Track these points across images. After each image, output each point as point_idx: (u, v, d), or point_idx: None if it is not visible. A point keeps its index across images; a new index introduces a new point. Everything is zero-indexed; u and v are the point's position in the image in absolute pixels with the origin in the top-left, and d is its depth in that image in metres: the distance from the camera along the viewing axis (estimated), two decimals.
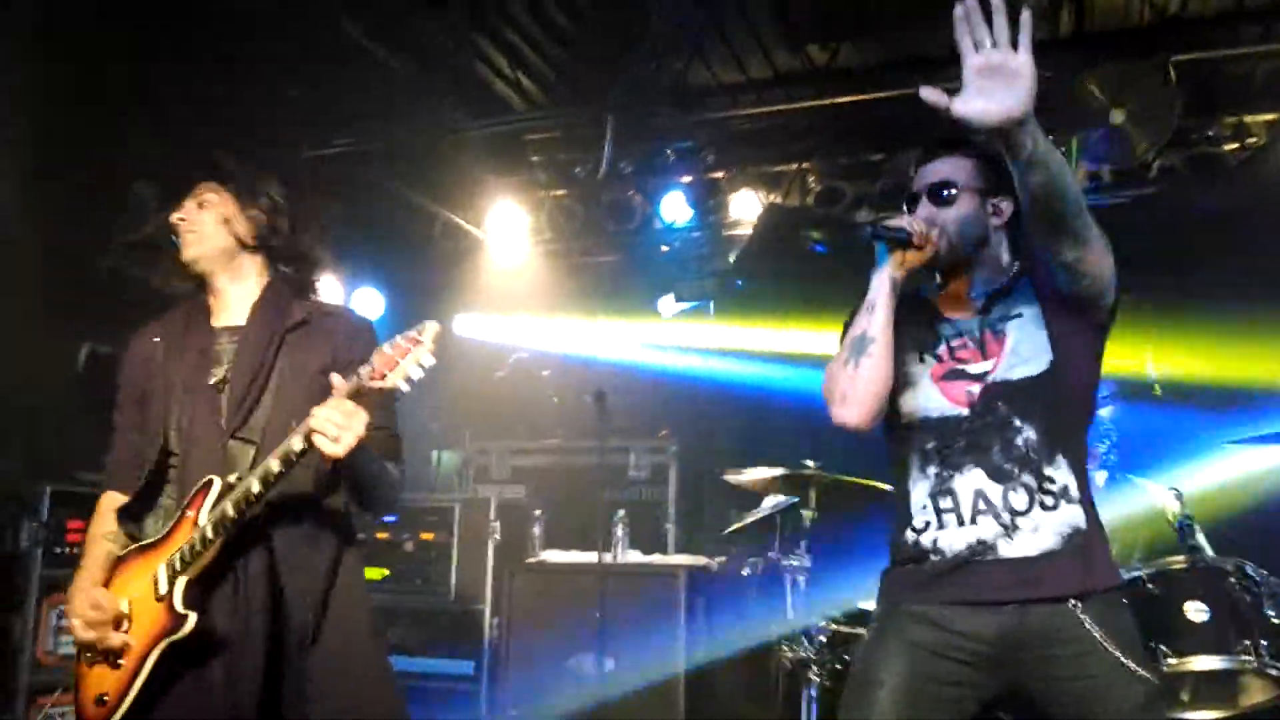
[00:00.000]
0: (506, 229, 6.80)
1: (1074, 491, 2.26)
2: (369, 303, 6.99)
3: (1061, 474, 2.27)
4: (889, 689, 2.25)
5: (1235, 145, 5.67)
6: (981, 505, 2.27)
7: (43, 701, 4.32)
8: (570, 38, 5.69)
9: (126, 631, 2.35)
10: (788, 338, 6.65)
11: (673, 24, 5.22)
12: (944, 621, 2.26)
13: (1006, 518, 2.25)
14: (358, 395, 2.20)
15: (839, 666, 3.90)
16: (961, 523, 2.29)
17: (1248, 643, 3.25)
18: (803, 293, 6.34)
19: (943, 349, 2.42)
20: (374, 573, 5.28)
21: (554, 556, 5.35)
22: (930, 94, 1.96)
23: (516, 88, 6.01)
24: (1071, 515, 2.25)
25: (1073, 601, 2.20)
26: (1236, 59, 5.32)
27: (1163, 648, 3.27)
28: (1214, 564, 3.48)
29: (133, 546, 2.46)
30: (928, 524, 2.33)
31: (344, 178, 6.13)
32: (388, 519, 5.44)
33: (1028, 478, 2.26)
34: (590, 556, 4.97)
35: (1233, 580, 3.40)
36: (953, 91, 1.96)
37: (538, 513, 5.61)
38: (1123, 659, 2.15)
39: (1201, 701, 3.37)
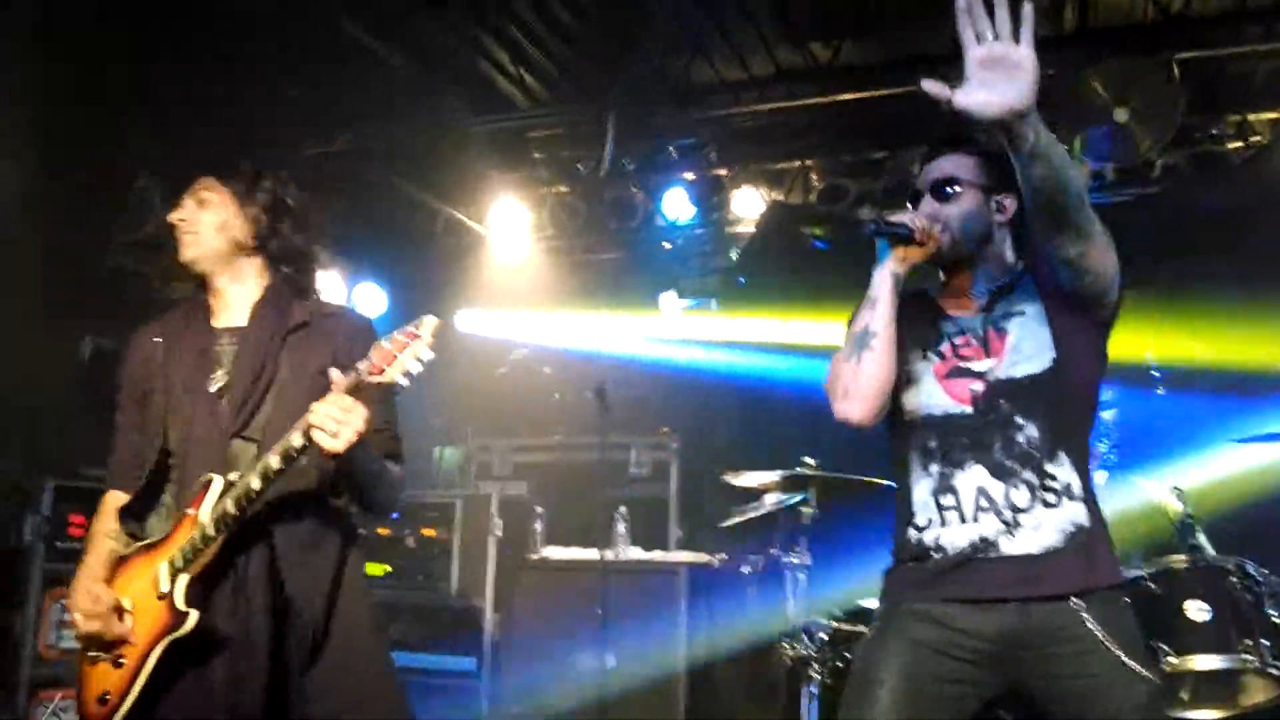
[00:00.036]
0: (508, 225, 6.80)
1: (1077, 489, 2.26)
2: (371, 298, 6.99)
3: (1064, 471, 2.26)
4: (890, 687, 2.25)
5: (1239, 144, 5.67)
6: (983, 502, 2.27)
7: (45, 695, 4.33)
8: (573, 35, 5.69)
9: (128, 631, 2.35)
10: (789, 333, 6.64)
11: (675, 21, 5.21)
12: (946, 619, 2.26)
13: (1008, 515, 2.25)
14: (356, 390, 2.19)
15: (840, 664, 3.90)
16: (963, 520, 2.29)
17: (1249, 642, 3.25)
18: (805, 288, 6.34)
19: (946, 346, 2.42)
20: (375, 568, 5.28)
21: (555, 553, 5.35)
22: (932, 86, 1.96)
23: (519, 84, 6.01)
24: (1074, 513, 2.24)
25: (1075, 600, 2.19)
26: (1240, 58, 5.32)
27: (1164, 647, 3.27)
28: (1215, 563, 3.48)
29: (135, 545, 2.46)
30: (930, 521, 2.33)
31: (346, 174, 6.14)
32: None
33: (1029, 475, 2.26)
34: (591, 553, 4.98)
35: (1234, 579, 3.40)
36: (957, 85, 1.96)
37: (539, 509, 5.61)
38: (1124, 658, 2.15)
39: (1202, 701, 3.37)
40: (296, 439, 2.21)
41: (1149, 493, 4.07)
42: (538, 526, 5.54)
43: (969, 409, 2.33)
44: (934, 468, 2.35)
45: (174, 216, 2.60)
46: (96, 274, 4.94)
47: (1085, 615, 2.18)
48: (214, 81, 4.95)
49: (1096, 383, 2.39)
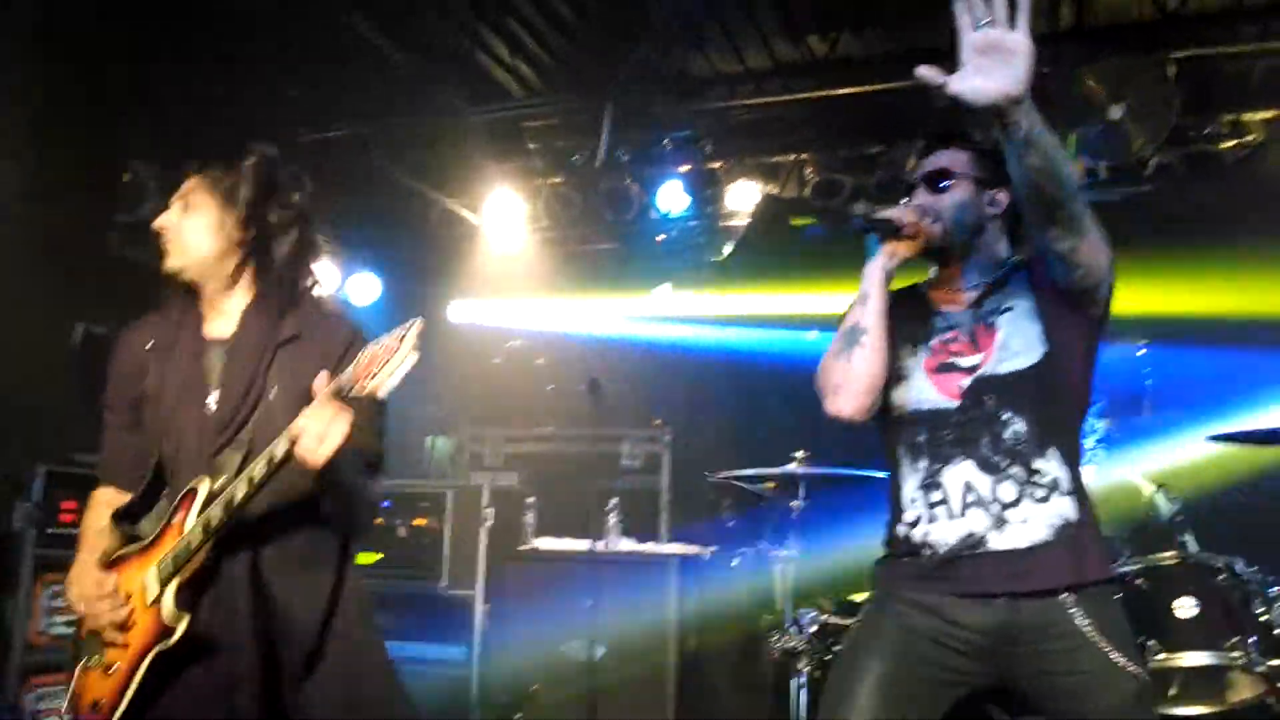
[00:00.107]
0: (503, 216, 6.79)
1: (1065, 484, 2.27)
2: (365, 288, 6.99)
3: (1052, 466, 2.27)
4: (877, 669, 2.26)
5: (1232, 143, 5.68)
6: (971, 498, 2.28)
7: (36, 682, 4.33)
8: (570, 26, 5.68)
9: (130, 616, 2.34)
10: (782, 325, 6.66)
11: (672, 14, 5.21)
12: (938, 609, 2.27)
13: (996, 509, 2.26)
14: (340, 397, 2.15)
15: (828, 657, 3.91)
16: (952, 516, 2.29)
17: (1236, 639, 3.27)
18: (798, 279, 6.36)
19: (935, 341, 2.43)
20: (366, 558, 5.28)
21: (546, 544, 5.36)
22: (926, 72, 1.97)
23: (515, 75, 6.01)
24: (1062, 507, 2.25)
25: (1064, 595, 2.21)
26: (1235, 57, 5.33)
27: (1152, 643, 3.29)
28: (1203, 560, 3.50)
29: (126, 549, 2.45)
30: (919, 518, 2.34)
31: (342, 164, 6.13)
32: (381, 504, 5.44)
33: (1016, 470, 2.27)
34: (583, 544, 4.98)
35: (1222, 577, 3.42)
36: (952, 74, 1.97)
37: (531, 500, 5.62)
38: (1113, 654, 2.16)
39: (1189, 697, 3.39)
40: (280, 448, 2.18)
41: (1136, 487, 4.09)
42: (529, 517, 5.55)
43: (956, 404, 2.34)
44: (922, 463, 2.36)
45: (157, 223, 2.53)
46: (91, 261, 4.94)
47: (1074, 611, 2.19)
48: (211, 73, 4.95)
49: (1088, 379, 2.40)
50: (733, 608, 4.97)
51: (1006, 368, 2.32)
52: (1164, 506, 3.80)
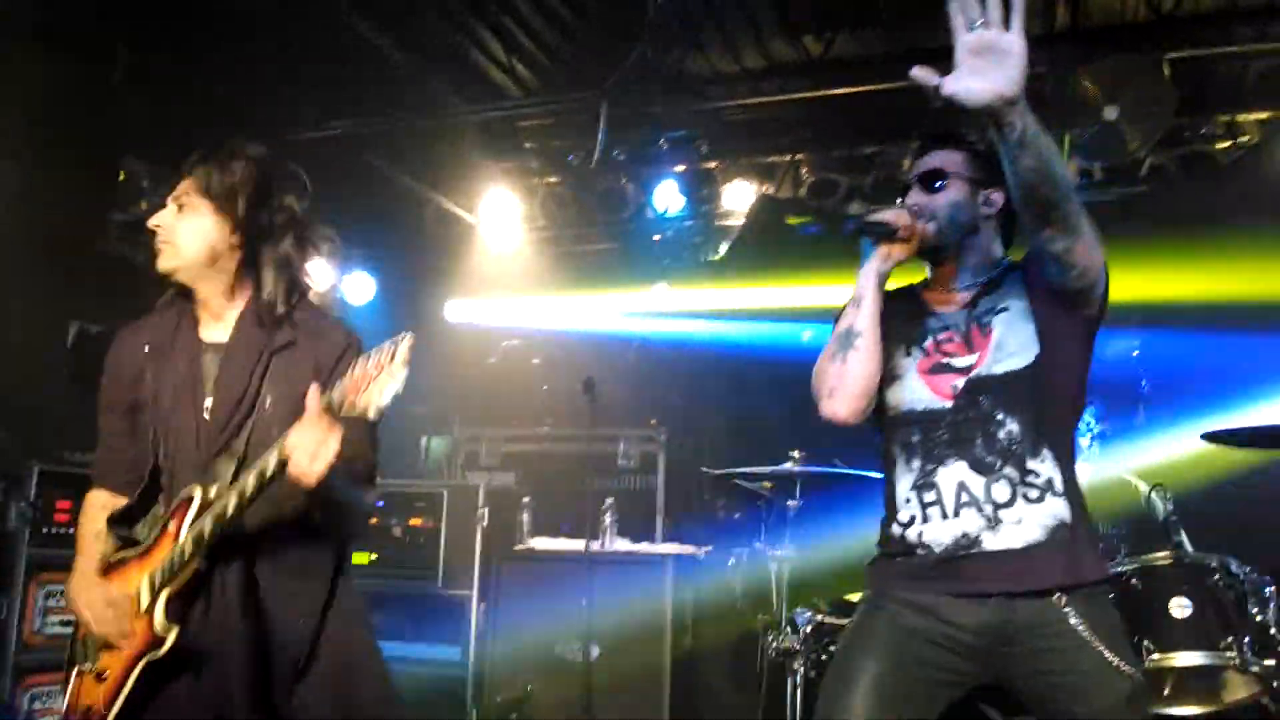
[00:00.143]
0: (499, 215, 6.80)
1: (1059, 485, 2.27)
2: (360, 286, 6.98)
3: (1046, 467, 2.27)
4: (873, 670, 2.26)
5: (1227, 144, 5.70)
6: (965, 498, 2.28)
7: (31, 681, 4.32)
8: (566, 26, 5.68)
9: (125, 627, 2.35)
10: (777, 323, 6.66)
11: (669, 13, 5.20)
12: (932, 609, 2.28)
13: (989, 510, 2.26)
14: (331, 414, 2.15)
15: (824, 657, 3.91)
16: (945, 516, 2.30)
17: (1230, 639, 3.27)
18: (794, 277, 6.38)
19: (929, 342, 2.43)
20: (361, 557, 5.28)
21: (542, 544, 5.36)
22: (921, 73, 1.96)
23: (511, 74, 6.00)
24: (1056, 508, 2.26)
25: (1058, 595, 2.21)
26: (1230, 58, 5.34)
27: (1146, 643, 3.29)
28: (1198, 560, 3.50)
29: (121, 554, 2.44)
30: (913, 518, 2.34)
31: (337, 162, 6.11)
32: (376, 503, 5.44)
33: (1010, 470, 2.27)
34: (578, 544, 4.98)
35: (1216, 577, 3.41)
36: (946, 74, 1.97)
37: (526, 500, 5.61)
38: (1107, 655, 2.17)
39: (1184, 697, 3.39)
40: (271, 463, 2.17)
41: (1132, 487, 4.10)
42: (525, 517, 5.54)
43: (950, 404, 2.34)
44: (916, 463, 2.36)
45: (152, 222, 2.51)
46: (86, 260, 4.93)
47: (1068, 610, 2.20)
48: (209, 72, 4.94)
49: (1082, 379, 2.40)
50: (728, 607, 4.97)
51: (1001, 368, 2.33)
52: (1159, 506, 3.80)
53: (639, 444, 6.23)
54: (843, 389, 2.35)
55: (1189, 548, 3.67)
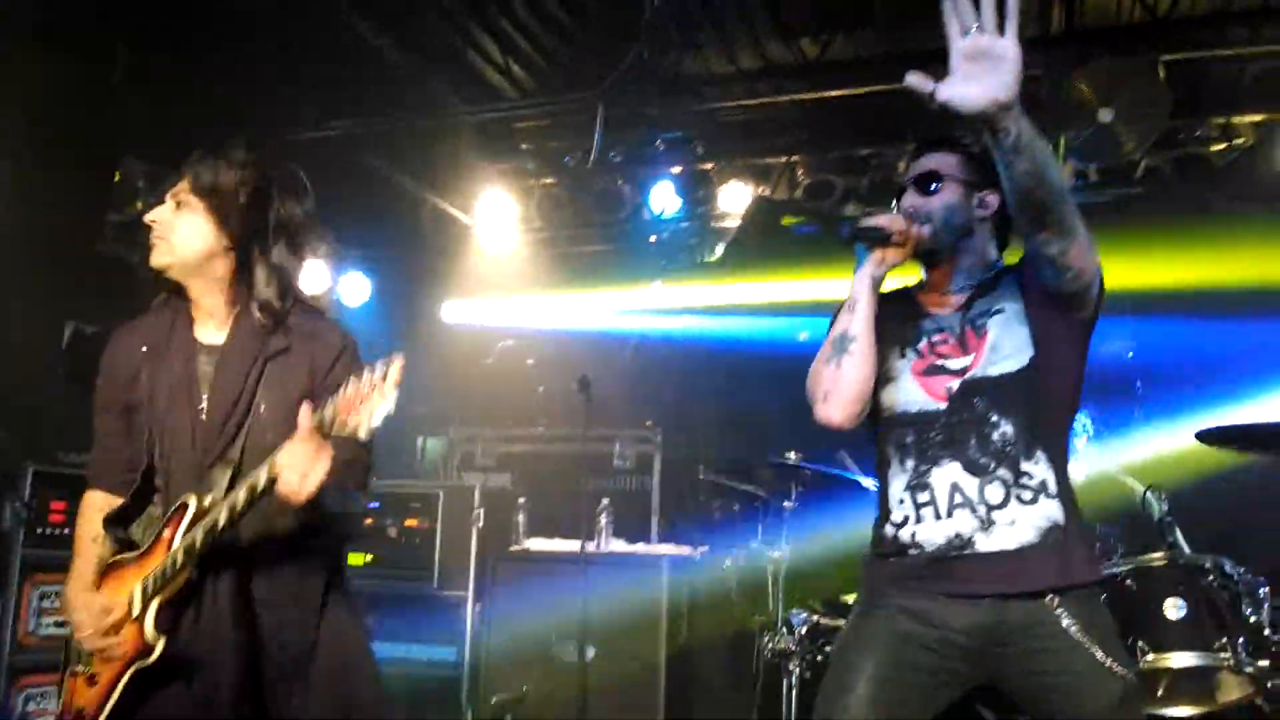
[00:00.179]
0: (495, 216, 6.80)
1: (1052, 487, 2.27)
2: (356, 287, 6.97)
3: (1039, 469, 2.28)
4: (868, 677, 2.27)
5: (1222, 146, 5.71)
6: (958, 499, 2.29)
7: (25, 682, 4.31)
8: (563, 27, 5.69)
9: (116, 631, 2.35)
10: (773, 328, 6.67)
11: (665, 15, 5.21)
12: (925, 613, 2.28)
13: (983, 511, 2.27)
14: (321, 433, 2.15)
15: (820, 658, 3.92)
16: (939, 517, 2.30)
17: (1225, 640, 3.28)
18: (790, 277, 6.40)
19: (924, 344, 2.44)
20: (357, 558, 5.28)
21: (538, 544, 5.35)
22: (915, 80, 1.97)
23: (508, 75, 6.01)
24: (1049, 510, 2.26)
25: (1050, 597, 2.22)
26: (1225, 59, 5.35)
27: (1141, 644, 3.29)
28: (1193, 561, 3.50)
29: (118, 557, 2.45)
30: (906, 518, 2.35)
31: (333, 161, 6.11)
32: (372, 505, 5.44)
33: (1004, 472, 2.28)
34: (574, 545, 4.98)
35: (1211, 578, 3.42)
36: (939, 81, 1.97)
37: (522, 500, 5.61)
38: (1100, 656, 2.17)
39: (1178, 698, 3.40)
40: (262, 479, 2.18)
41: (1126, 487, 4.11)
42: (520, 518, 5.54)
43: (944, 406, 2.35)
44: (910, 464, 2.37)
45: (148, 218, 2.50)
46: (82, 260, 4.92)
47: (1061, 612, 2.20)
48: (207, 72, 4.94)
49: (1077, 382, 2.41)
50: (724, 608, 4.97)
51: (996, 370, 2.33)
52: (1155, 507, 3.80)
53: (634, 444, 6.23)
54: (837, 393, 2.35)
55: (1185, 548, 3.68)
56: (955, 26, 1.94)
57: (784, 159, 6.51)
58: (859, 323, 2.35)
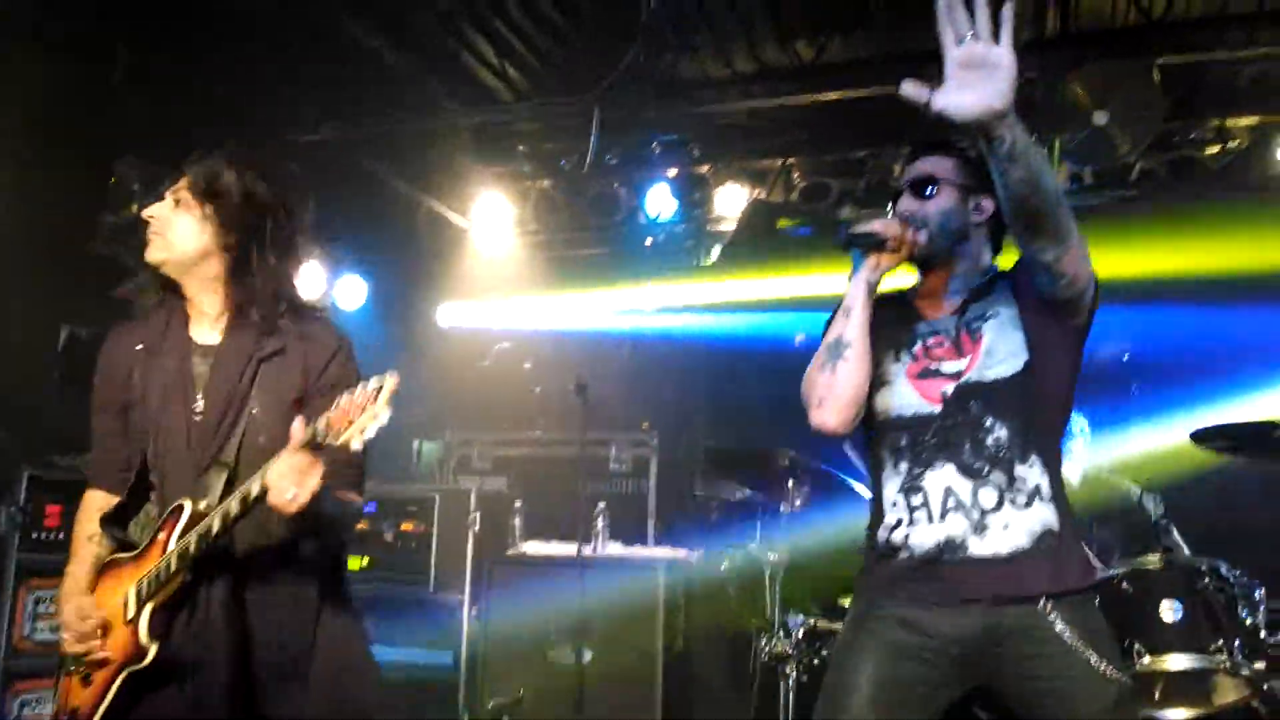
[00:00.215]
0: (491, 219, 6.79)
1: (1046, 492, 2.28)
2: (351, 291, 6.96)
3: (1034, 473, 2.28)
4: (862, 691, 2.27)
5: (1217, 148, 5.72)
6: (951, 502, 2.29)
7: (21, 687, 4.30)
8: (559, 29, 5.68)
9: (109, 633, 2.35)
10: (769, 329, 6.68)
11: (661, 18, 5.21)
12: (917, 624, 2.28)
13: (976, 515, 2.27)
14: (314, 448, 2.15)
15: (816, 661, 3.92)
16: (931, 520, 2.30)
17: (1220, 642, 3.28)
18: (787, 279, 6.41)
19: (918, 348, 2.44)
20: (353, 562, 5.27)
21: (534, 548, 5.35)
22: (910, 88, 1.97)
23: (503, 78, 6.00)
24: (1043, 515, 2.26)
25: (1044, 601, 2.21)
26: (1221, 62, 5.35)
27: (1137, 646, 3.30)
28: (1188, 564, 3.51)
29: (115, 556, 2.45)
30: (899, 521, 2.35)
31: (329, 164, 6.10)
32: (368, 509, 5.43)
33: (998, 476, 2.28)
34: (570, 548, 4.98)
35: (1206, 580, 3.43)
36: (936, 87, 1.97)
37: (518, 504, 5.61)
38: (1094, 660, 2.17)
39: (1174, 700, 3.40)
40: (255, 488, 2.18)
41: (1122, 489, 4.11)
42: (517, 521, 5.54)
43: (939, 409, 2.35)
44: (903, 466, 2.37)
45: (146, 213, 2.50)
46: (77, 263, 4.91)
47: (1055, 618, 2.20)
48: (204, 74, 4.93)
49: (1070, 386, 2.41)
50: (721, 611, 4.97)
51: (991, 374, 2.33)
52: (1150, 509, 3.81)
53: (631, 448, 6.23)
54: (832, 399, 2.35)
55: (1184, 548, 3.69)
56: (950, 35, 1.93)
57: (780, 162, 6.51)
58: (854, 328, 2.35)
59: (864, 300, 2.36)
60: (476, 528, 5.36)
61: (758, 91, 5.91)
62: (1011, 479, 2.27)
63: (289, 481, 2.13)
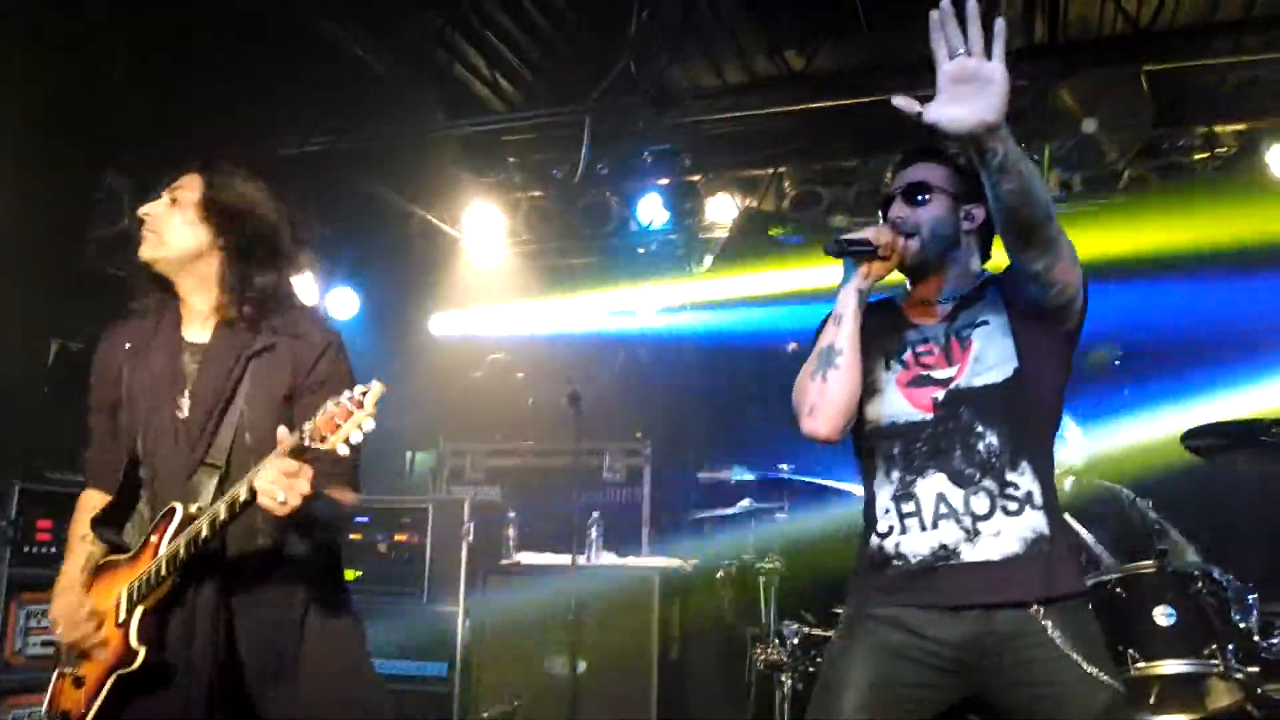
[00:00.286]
0: (483, 230, 6.80)
1: (1038, 498, 2.28)
2: (343, 302, 6.97)
3: (1025, 480, 2.28)
4: (855, 693, 2.27)
5: (1205, 154, 5.75)
6: (943, 509, 2.29)
7: (13, 702, 4.28)
8: (549, 40, 5.70)
9: (103, 636, 2.35)
10: (762, 336, 6.69)
11: (652, 28, 5.22)
12: (910, 625, 2.28)
13: (968, 522, 2.27)
14: (300, 452, 2.15)
15: (811, 669, 3.92)
16: (924, 527, 2.31)
17: (1214, 647, 3.29)
18: (778, 287, 6.43)
19: (908, 355, 2.44)
20: (347, 574, 5.25)
21: (528, 558, 5.35)
22: (902, 102, 1.97)
23: (494, 88, 6.01)
24: (1035, 521, 2.26)
25: (1036, 607, 2.22)
26: (1208, 70, 5.39)
27: (1131, 651, 3.31)
28: (1182, 569, 3.52)
29: (110, 559, 2.45)
30: (891, 529, 2.35)
31: (321, 175, 6.10)
32: (361, 519, 5.42)
33: (989, 483, 2.28)
34: (564, 558, 4.98)
35: (1199, 585, 3.44)
36: (927, 99, 1.98)
37: (512, 514, 5.61)
38: (1086, 666, 2.17)
39: (1168, 704, 3.40)
40: (243, 493, 2.19)
41: (1114, 494, 4.12)
42: (510, 531, 5.54)
43: (930, 417, 2.35)
44: (895, 474, 2.37)
45: (142, 210, 2.52)
46: (68, 276, 4.90)
47: (1046, 623, 2.21)
48: (195, 85, 4.93)
49: (1059, 392, 2.41)
50: (715, 620, 4.97)
51: (980, 381, 2.34)
52: (1144, 514, 3.82)
53: (624, 457, 6.23)
54: (823, 407, 2.35)
55: (1185, 544, 3.70)
56: (942, 49, 1.94)
57: (771, 170, 6.53)
58: (844, 337, 2.36)
59: (854, 309, 2.37)
60: (470, 538, 5.36)
61: (748, 101, 5.93)
62: (1003, 485, 2.27)
63: (278, 486, 2.14)
